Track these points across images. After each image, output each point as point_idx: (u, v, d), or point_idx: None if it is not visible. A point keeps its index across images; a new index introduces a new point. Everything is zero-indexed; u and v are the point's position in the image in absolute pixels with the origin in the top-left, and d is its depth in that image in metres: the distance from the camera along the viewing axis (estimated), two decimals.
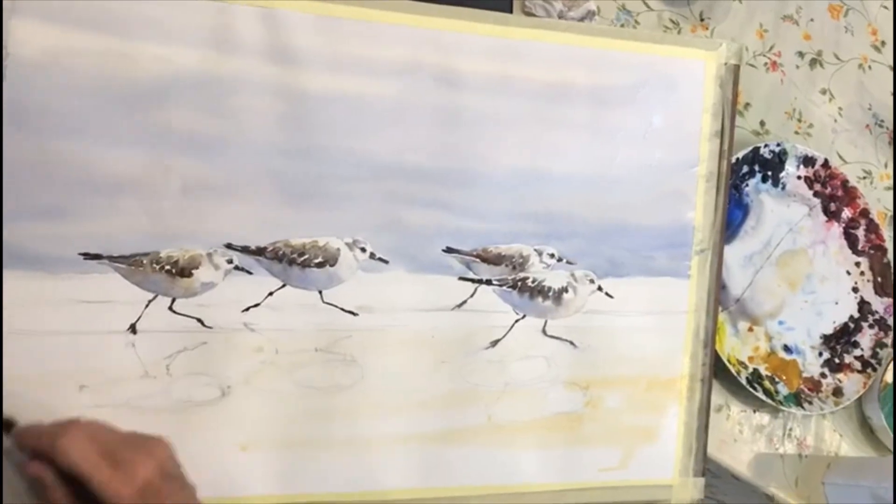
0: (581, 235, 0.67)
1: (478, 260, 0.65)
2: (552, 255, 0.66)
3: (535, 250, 0.66)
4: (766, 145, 0.81)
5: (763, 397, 0.77)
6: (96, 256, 0.56)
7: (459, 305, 0.65)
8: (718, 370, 0.74)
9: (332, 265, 0.61)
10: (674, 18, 0.82)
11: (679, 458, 0.71)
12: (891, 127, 0.92)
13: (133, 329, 0.58)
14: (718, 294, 0.72)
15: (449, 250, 0.64)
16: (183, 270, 0.58)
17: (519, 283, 0.66)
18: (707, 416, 0.72)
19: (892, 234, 0.88)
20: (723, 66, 0.69)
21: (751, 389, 0.76)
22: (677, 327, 0.70)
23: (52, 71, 0.54)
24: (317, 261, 0.61)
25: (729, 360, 0.76)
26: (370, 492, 0.63)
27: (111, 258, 0.57)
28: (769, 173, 0.82)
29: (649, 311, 0.69)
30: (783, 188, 0.82)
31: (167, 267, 0.58)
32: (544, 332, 0.67)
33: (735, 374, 0.76)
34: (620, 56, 0.66)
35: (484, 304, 0.65)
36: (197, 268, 0.58)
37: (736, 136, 0.81)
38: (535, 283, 0.66)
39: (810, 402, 0.79)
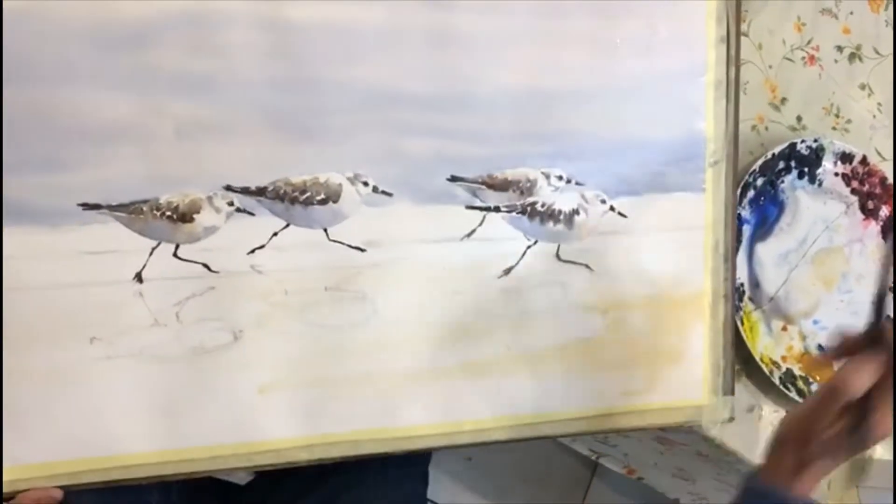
0: (589, 154, 0.65)
1: (484, 187, 0.63)
2: (560, 177, 0.64)
3: (543, 173, 0.64)
4: (802, 141, 0.79)
5: (796, 397, 0.75)
6: (95, 206, 0.56)
7: (468, 235, 0.63)
8: (751, 369, 0.73)
9: (335, 201, 0.60)
10: None
11: (707, 378, 0.69)
12: None
13: (139, 278, 0.57)
14: (735, 206, 0.69)
15: (453, 178, 0.62)
16: (184, 216, 0.57)
17: (528, 208, 0.64)
18: (733, 333, 0.70)
19: None
20: None
21: (783, 389, 0.75)
22: (695, 243, 0.68)
23: (35, 18, 0.53)
24: (319, 198, 0.59)
25: (762, 360, 0.74)
26: (391, 428, 0.63)
27: (110, 207, 0.56)
28: (806, 169, 0.80)
29: (665, 227, 0.67)
30: (820, 185, 0.80)
31: (168, 213, 0.57)
32: (558, 256, 0.66)
33: (768, 373, 0.74)
34: None
35: (493, 232, 0.64)
36: (198, 212, 0.57)
37: (772, 131, 0.81)
38: (545, 206, 0.64)
39: None
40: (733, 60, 0.67)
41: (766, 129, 0.80)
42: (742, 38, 0.75)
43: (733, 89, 0.67)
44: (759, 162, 0.76)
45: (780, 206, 0.79)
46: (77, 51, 0.54)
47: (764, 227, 0.77)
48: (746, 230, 0.77)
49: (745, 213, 0.76)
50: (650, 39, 0.65)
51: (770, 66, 0.80)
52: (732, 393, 0.70)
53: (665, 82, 0.66)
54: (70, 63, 0.54)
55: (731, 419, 0.71)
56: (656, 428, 0.71)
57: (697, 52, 0.66)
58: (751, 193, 0.77)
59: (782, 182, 0.78)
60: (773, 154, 0.77)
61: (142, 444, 0.58)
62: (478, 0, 0.61)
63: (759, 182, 0.77)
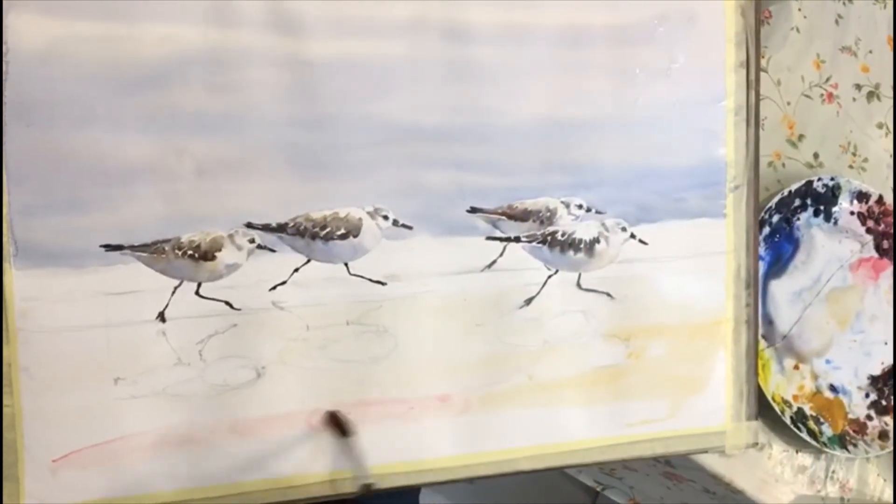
0: (609, 183, 0.65)
1: (504, 217, 0.63)
2: (580, 206, 0.64)
3: (563, 202, 0.64)
4: (819, 179, 0.79)
5: (807, 438, 0.75)
6: (118, 247, 0.56)
7: (489, 266, 0.63)
8: (762, 408, 0.73)
9: (355, 236, 0.60)
10: None
11: (730, 404, 0.69)
12: None
13: (162, 317, 0.57)
14: (757, 232, 0.69)
15: (473, 210, 0.62)
16: (206, 254, 0.57)
17: (548, 238, 0.64)
18: (755, 358, 0.70)
19: None
20: None
21: (794, 429, 0.75)
22: (717, 269, 0.68)
23: (55, 62, 0.53)
24: (339, 232, 0.59)
25: (773, 398, 0.74)
26: (416, 461, 0.62)
27: (132, 248, 0.56)
28: (821, 207, 0.80)
29: (686, 254, 0.67)
30: (835, 223, 0.80)
31: (189, 252, 0.57)
32: (579, 285, 0.65)
33: (779, 412, 0.74)
34: None
35: (514, 262, 0.64)
36: (220, 250, 0.57)
37: (789, 168, 0.81)
38: (565, 236, 0.64)
39: (855, 445, 0.77)
40: (753, 85, 0.67)
41: (783, 165, 0.81)
42: (762, 74, 0.75)
43: (753, 114, 0.67)
44: (776, 199, 0.76)
45: (794, 244, 0.78)
46: (96, 92, 0.54)
47: (778, 265, 0.77)
48: (761, 267, 0.77)
49: (761, 249, 0.76)
50: (669, 66, 0.65)
51: (788, 103, 0.80)
52: (756, 419, 0.70)
53: (685, 109, 0.66)
54: (89, 105, 0.54)
55: (756, 444, 0.70)
56: (680, 455, 0.71)
57: (717, 78, 0.66)
58: (766, 230, 0.77)
59: (798, 219, 0.78)
60: (790, 191, 0.77)
61: (166, 483, 0.58)
62: (496, 32, 0.61)
63: (775, 219, 0.77)
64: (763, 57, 0.79)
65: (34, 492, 0.55)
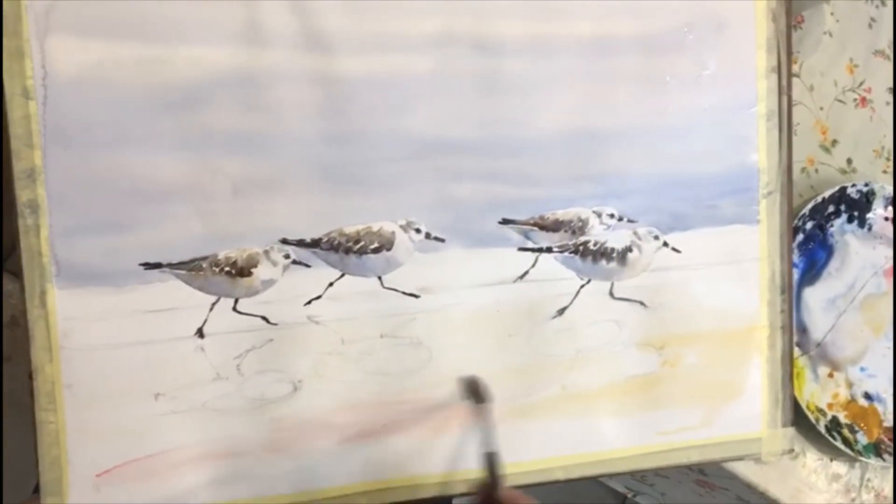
0: (640, 191, 0.64)
1: (535, 228, 0.63)
2: (612, 216, 0.64)
3: (594, 212, 0.64)
4: (853, 185, 0.78)
5: (841, 446, 0.74)
6: (156, 265, 0.57)
7: (521, 277, 0.63)
8: (796, 416, 0.72)
9: (388, 249, 0.60)
10: None
11: (766, 410, 0.68)
12: None
13: (201, 333, 0.58)
14: (791, 237, 0.68)
15: (505, 221, 0.62)
16: (242, 270, 0.58)
17: (580, 248, 0.64)
18: (791, 365, 0.69)
19: None
20: None
21: (829, 438, 0.74)
22: (751, 275, 0.67)
23: (92, 85, 0.55)
24: (373, 247, 0.60)
25: (807, 407, 0.74)
26: (455, 472, 0.63)
27: (171, 265, 0.57)
28: (855, 213, 0.79)
29: (720, 261, 0.67)
30: (869, 229, 0.79)
31: (226, 268, 0.58)
32: (611, 294, 0.65)
33: (813, 421, 0.73)
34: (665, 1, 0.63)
35: (546, 272, 0.64)
36: (256, 266, 0.58)
37: (822, 174, 0.80)
38: (597, 245, 0.64)
39: (890, 453, 0.76)
40: (785, 90, 0.66)
41: (816, 171, 0.80)
42: (794, 79, 0.74)
43: (786, 119, 0.66)
44: (809, 206, 0.76)
45: (828, 251, 0.78)
46: (132, 114, 0.55)
47: (812, 272, 0.76)
48: (794, 274, 0.76)
49: (794, 256, 0.75)
50: (699, 74, 0.64)
51: (821, 108, 0.79)
52: (792, 425, 0.69)
53: (716, 115, 0.65)
54: (126, 127, 0.55)
55: (792, 451, 0.70)
56: (715, 463, 0.71)
57: (748, 84, 0.66)
58: (799, 237, 0.76)
59: (831, 226, 0.77)
60: (823, 198, 0.76)
61: (206, 496, 0.59)
62: (524, 44, 0.61)
63: (808, 226, 0.76)
64: (795, 62, 0.78)
65: None
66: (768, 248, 0.67)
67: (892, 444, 0.77)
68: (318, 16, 0.57)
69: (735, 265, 0.67)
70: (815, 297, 0.76)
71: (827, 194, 0.76)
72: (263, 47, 0.57)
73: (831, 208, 0.77)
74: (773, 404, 0.68)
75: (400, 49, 0.59)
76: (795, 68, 0.78)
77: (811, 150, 0.80)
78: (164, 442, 0.58)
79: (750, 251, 0.67)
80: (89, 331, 0.56)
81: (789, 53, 0.66)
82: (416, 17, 0.59)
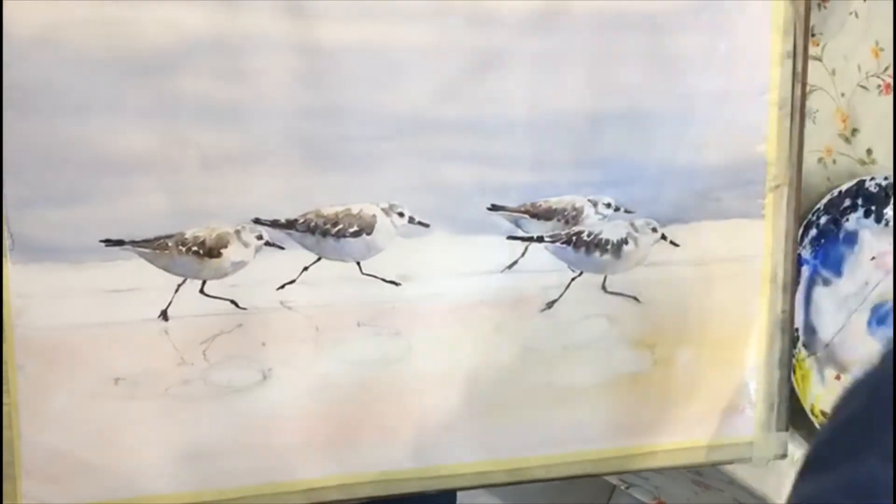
0: (639, 180, 0.60)
1: (526, 216, 0.59)
2: (608, 205, 0.60)
3: (590, 200, 0.60)
4: (872, 178, 0.73)
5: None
6: (118, 242, 0.53)
7: (510, 267, 0.60)
8: (800, 421, 0.69)
9: (368, 233, 0.57)
10: None
11: (760, 414, 0.65)
12: None
13: (165, 315, 0.55)
14: (797, 234, 0.65)
15: (494, 208, 0.58)
16: (211, 250, 0.54)
17: (573, 238, 0.60)
18: (789, 369, 0.66)
19: None
20: None
21: None
22: (752, 273, 0.64)
23: (53, 46, 0.50)
24: (352, 230, 0.56)
25: (812, 411, 0.70)
26: (431, 467, 0.60)
27: (134, 243, 0.53)
28: (873, 208, 0.73)
29: (720, 257, 0.63)
30: (886, 225, 0.74)
31: (194, 248, 0.54)
32: (604, 288, 0.62)
33: (818, 426, 0.70)
34: None
35: (536, 263, 0.60)
36: (225, 247, 0.55)
37: (840, 165, 0.74)
38: (591, 236, 0.61)
39: None
40: (800, 77, 0.62)
41: (834, 161, 0.75)
42: (815, 62, 0.70)
43: (799, 109, 0.62)
44: (825, 200, 0.71)
45: (842, 247, 0.73)
46: (97, 79, 0.51)
47: (823, 269, 0.72)
48: (805, 271, 0.72)
49: (806, 252, 0.71)
50: (710, 56, 0.60)
51: (842, 94, 0.74)
52: (787, 430, 0.66)
53: (725, 101, 0.61)
54: (89, 92, 0.51)
55: (784, 456, 0.67)
56: (707, 466, 0.68)
57: (761, 69, 0.61)
58: (813, 232, 0.72)
59: (846, 220, 0.73)
60: (840, 192, 0.72)
61: (167, 486, 0.56)
62: (524, 17, 0.56)
63: (823, 220, 0.72)
64: (817, 44, 0.72)
65: (31, 492, 0.54)
66: (772, 245, 0.64)
67: None
68: None
69: (735, 262, 0.63)
70: (825, 295, 0.72)
71: (844, 188, 0.72)
72: (241, 11, 0.53)
73: (847, 202, 0.73)
74: (768, 409, 0.65)
75: (388, 19, 0.55)
76: (817, 51, 0.73)
77: (829, 140, 0.75)
78: (123, 429, 0.55)
79: (752, 247, 0.64)
80: (45, 309, 0.53)
81: (807, 37, 0.62)
82: None
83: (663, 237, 0.62)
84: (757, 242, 0.64)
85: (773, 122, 0.62)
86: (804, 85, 0.62)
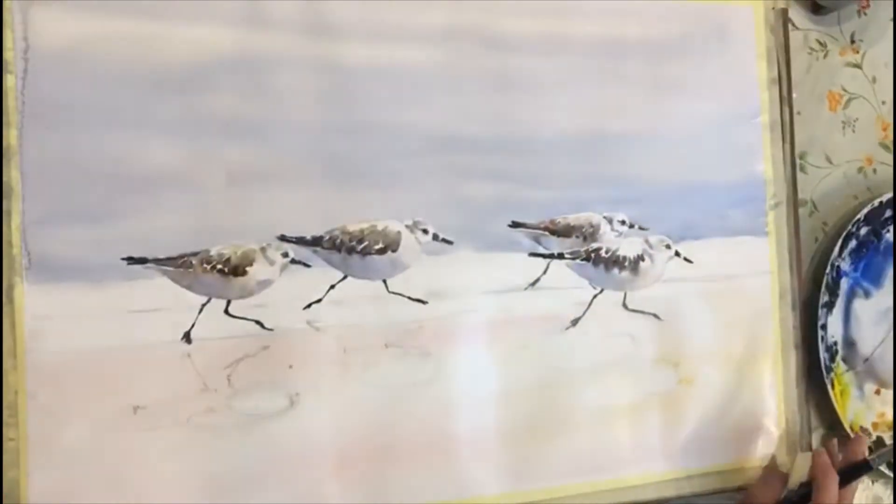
0: (650, 197, 0.62)
1: (546, 233, 0.60)
2: (623, 222, 0.61)
3: (605, 217, 0.61)
4: None
5: (884, 469, 0.70)
6: (141, 260, 0.51)
7: (533, 284, 0.59)
8: (838, 436, 0.68)
9: (393, 250, 0.56)
10: (821, 40, 0.73)
11: (783, 434, 0.65)
12: None
13: (188, 338, 0.52)
14: (800, 251, 0.67)
15: (515, 224, 0.59)
16: (236, 269, 0.53)
17: (592, 255, 0.61)
18: (806, 385, 0.66)
19: None
20: (771, 11, 0.66)
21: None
22: (762, 290, 0.65)
23: (78, 61, 0.50)
24: (377, 247, 0.56)
25: (851, 427, 0.70)
26: (462, 500, 0.57)
27: (157, 261, 0.51)
28: None
29: (731, 274, 0.64)
30: None
31: (219, 266, 0.52)
32: (625, 305, 0.62)
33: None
34: (668, 6, 0.63)
35: (559, 280, 0.60)
36: (251, 264, 0.53)
37: (881, 174, 0.74)
38: (609, 253, 0.61)
39: None
40: (786, 101, 0.66)
41: (875, 171, 0.75)
42: (855, 70, 0.73)
43: (788, 130, 0.66)
44: (865, 210, 0.70)
45: (883, 259, 0.73)
46: (122, 95, 0.51)
47: (864, 282, 0.73)
48: (845, 283, 0.71)
49: (845, 264, 0.71)
50: (702, 82, 0.64)
51: (883, 102, 0.75)
52: (811, 450, 0.66)
53: (722, 124, 0.64)
54: (114, 108, 0.51)
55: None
56: (735, 490, 0.66)
57: (751, 94, 0.65)
58: (853, 243, 0.71)
59: (887, 231, 0.73)
60: (881, 202, 0.71)
61: None
62: (534, 41, 0.59)
63: (863, 231, 0.71)
64: (857, 52, 0.74)
65: None
66: (777, 262, 0.66)
67: None
68: (325, 0, 0.55)
69: (746, 278, 0.65)
70: (865, 308, 0.72)
71: (885, 198, 0.71)
72: (267, 30, 0.54)
73: (888, 213, 0.72)
74: (791, 428, 0.65)
75: (409, 39, 0.56)
76: (857, 58, 0.74)
77: (870, 149, 0.74)
78: (143, 463, 0.50)
79: (760, 264, 0.65)
80: (61, 332, 0.49)
81: (788, 64, 0.66)
82: (424, 9, 0.57)
83: (677, 254, 0.63)
84: (764, 259, 0.65)
85: (766, 144, 0.66)
86: (791, 108, 0.66)
